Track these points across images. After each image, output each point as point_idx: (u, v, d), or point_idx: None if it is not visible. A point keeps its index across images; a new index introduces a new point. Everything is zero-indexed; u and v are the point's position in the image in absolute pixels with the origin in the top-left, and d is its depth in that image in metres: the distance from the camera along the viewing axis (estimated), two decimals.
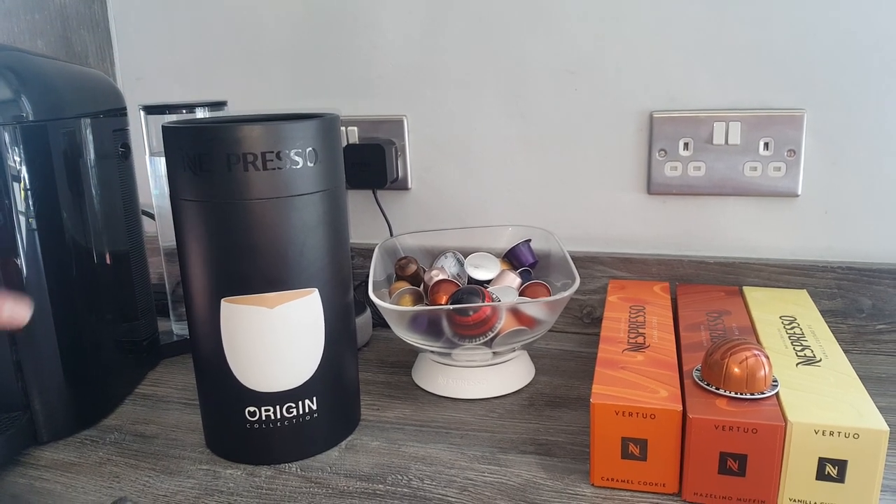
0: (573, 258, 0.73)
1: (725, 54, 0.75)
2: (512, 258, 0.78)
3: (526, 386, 0.72)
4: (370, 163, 0.84)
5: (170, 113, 0.76)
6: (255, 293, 0.55)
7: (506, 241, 0.81)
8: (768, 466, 0.50)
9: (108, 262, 0.70)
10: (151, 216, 0.82)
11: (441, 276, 0.73)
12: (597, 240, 0.84)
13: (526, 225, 0.84)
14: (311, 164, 0.54)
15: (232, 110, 0.88)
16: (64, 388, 0.64)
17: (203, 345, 0.58)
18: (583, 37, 0.79)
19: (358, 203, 0.91)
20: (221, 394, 0.59)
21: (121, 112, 0.73)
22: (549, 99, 0.82)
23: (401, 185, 0.89)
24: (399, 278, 0.77)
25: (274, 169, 0.52)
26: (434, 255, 0.82)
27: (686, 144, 0.77)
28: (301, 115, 0.59)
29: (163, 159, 0.74)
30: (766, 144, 0.75)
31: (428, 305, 0.71)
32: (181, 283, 0.60)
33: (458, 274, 0.77)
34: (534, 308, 0.67)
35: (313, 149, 0.54)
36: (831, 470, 0.49)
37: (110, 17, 0.96)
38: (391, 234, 0.88)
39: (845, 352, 0.69)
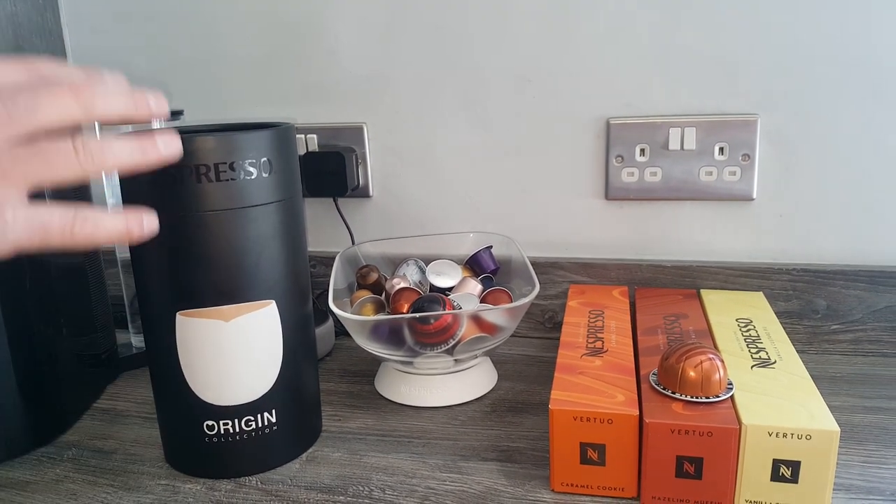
0: (534, 264, 0.73)
1: (680, 61, 0.76)
2: (473, 265, 0.79)
3: (488, 392, 0.72)
4: (330, 170, 0.84)
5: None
6: (211, 306, 0.54)
7: (467, 248, 0.81)
8: (724, 469, 0.50)
9: (63, 273, 0.68)
10: None
11: (403, 285, 0.73)
12: (557, 245, 0.85)
13: (487, 231, 0.84)
14: (266, 175, 0.54)
15: (189, 119, 0.87)
16: (18, 404, 0.63)
17: (160, 359, 0.57)
18: (539, 44, 0.79)
19: (318, 211, 0.90)
20: (179, 408, 0.58)
21: None
22: (508, 106, 0.82)
23: (362, 193, 0.88)
24: (360, 287, 0.77)
25: (227, 180, 0.52)
26: (396, 262, 0.81)
27: (642, 150, 0.78)
28: (255, 125, 0.58)
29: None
30: (721, 149, 0.76)
31: (389, 314, 0.71)
32: (136, 296, 0.59)
33: (420, 281, 0.77)
34: (494, 315, 0.67)
35: (268, 159, 0.54)
36: (785, 471, 0.50)
37: (63, 25, 0.94)
38: (353, 243, 0.87)
39: (801, 352, 0.71)
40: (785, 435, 0.49)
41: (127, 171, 0.39)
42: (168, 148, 0.40)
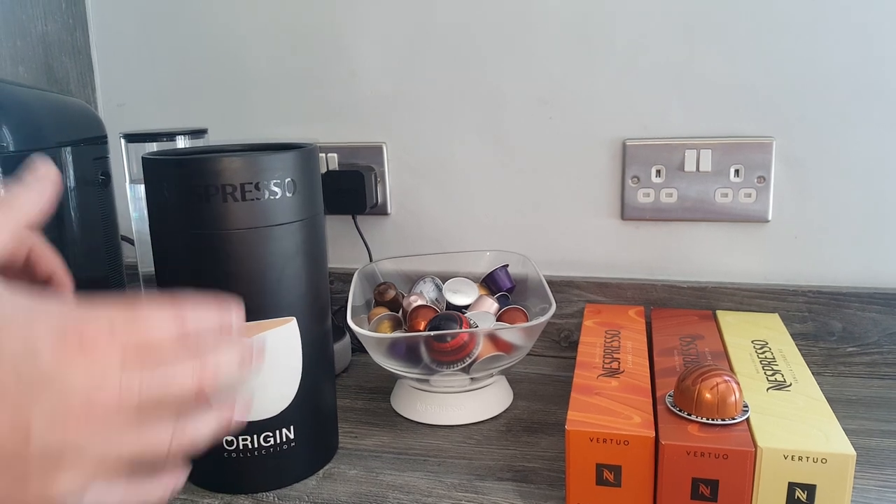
0: (549, 283, 0.74)
1: (696, 83, 0.77)
2: (490, 283, 0.79)
3: (504, 411, 0.72)
4: (350, 189, 0.85)
5: (150, 141, 0.77)
6: None
7: (484, 266, 0.82)
8: (739, 491, 0.51)
9: (86, 286, 0.70)
10: (131, 242, 0.82)
11: (419, 302, 0.73)
12: (572, 264, 0.85)
13: (503, 250, 0.85)
14: (290, 195, 0.55)
15: (213, 138, 0.89)
16: None
17: None
18: (557, 66, 0.81)
19: (337, 228, 0.91)
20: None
21: (101, 140, 0.73)
22: (525, 127, 0.83)
23: (380, 211, 0.90)
24: (378, 304, 0.78)
25: (253, 199, 0.53)
26: (413, 280, 0.82)
27: (658, 171, 0.79)
28: (280, 146, 0.59)
29: (142, 186, 0.74)
30: (737, 171, 0.77)
31: (406, 332, 0.72)
32: None
33: (436, 299, 0.78)
34: (511, 333, 0.68)
35: (292, 179, 0.55)
36: (801, 494, 0.50)
37: (92, 45, 0.97)
38: (370, 260, 0.88)
39: (816, 374, 0.71)
40: (800, 458, 0.49)
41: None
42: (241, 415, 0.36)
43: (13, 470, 0.28)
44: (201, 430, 0.33)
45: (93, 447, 0.29)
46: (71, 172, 0.67)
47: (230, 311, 0.35)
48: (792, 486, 0.50)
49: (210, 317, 0.34)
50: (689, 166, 0.78)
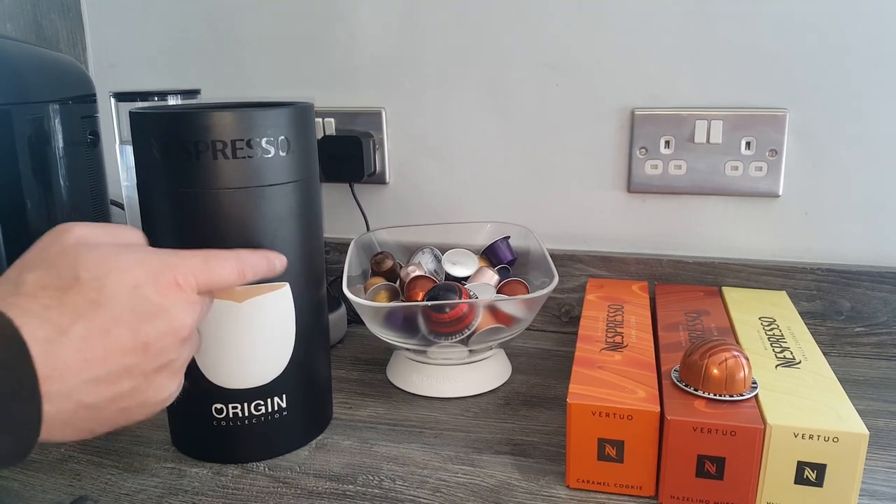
0: (552, 256, 0.72)
1: (708, 52, 0.75)
2: (490, 255, 0.77)
3: (502, 385, 0.70)
4: (347, 155, 0.82)
5: (141, 100, 0.74)
6: None
7: (484, 238, 0.80)
8: (746, 469, 0.49)
9: None
10: (121, 206, 0.80)
11: (418, 273, 0.71)
12: (576, 238, 0.83)
13: (505, 222, 0.82)
14: (283, 154, 0.52)
15: (205, 98, 0.86)
16: None
17: None
18: (564, 32, 0.78)
19: (334, 196, 0.89)
20: (187, 390, 0.56)
21: (90, 99, 0.71)
22: (530, 94, 0.80)
23: (378, 179, 0.87)
24: (375, 274, 0.76)
25: (244, 158, 0.51)
26: (411, 250, 0.80)
27: (667, 143, 0.77)
28: (274, 103, 0.57)
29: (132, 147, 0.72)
30: (748, 144, 0.75)
31: (404, 302, 0.70)
32: None
33: (435, 270, 0.76)
34: (511, 306, 0.66)
35: (285, 137, 0.52)
36: (810, 474, 0.48)
37: (82, 2, 0.93)
38: (367, 229, 0.86)
39: (823, 354, 0.69)
40: (811, 436, 0.48)
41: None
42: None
43: (135, 373, 0.38)
44: None
45: (184, 355, 0.41)
46: (58, 131, 0.65)
47: (277, 260, 0.48)
48: (801, 466, 0.48)
49: (262, 265, 0.47)
50: (700, 138, 0.75)
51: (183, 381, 0.43)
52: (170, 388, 0.41)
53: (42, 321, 0.34)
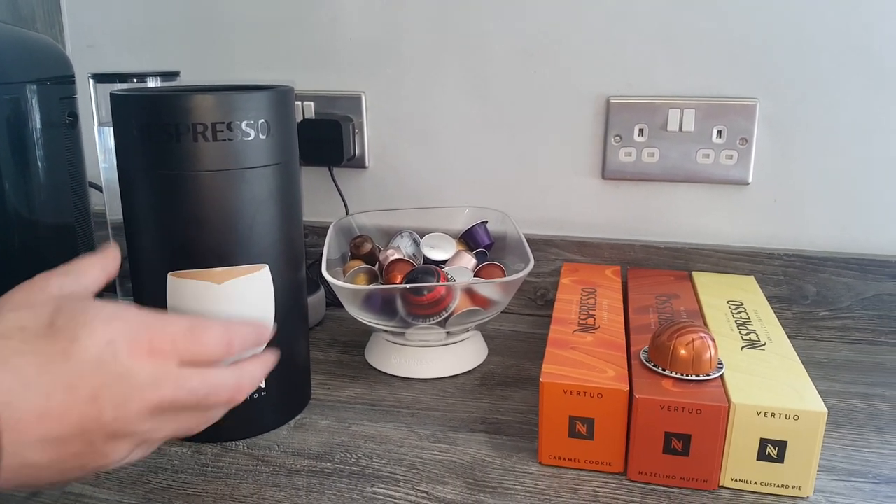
0: (528, 241, 0.73)
1: (682, 42, 0.76)
2: (468, 239, 0.78)
3: (478, 366, 0.72)
4: (326, 139, 0.83)
5: (120, 82, 0.74)
6: (203, 267, 0.54)
7: (462, 222, 0.81)
8: (711, 446, 0.51)
9: (52, 233, 0.67)
10: (99, 188, 0.80)
11: (396, 256, 0.72)
12: (552, 223, 0.85)
13: (483, 206, 0.84)
14: (263, 137, 0.53)
15: (185, 81, 0.86)
16: None
17: None
18: (544, 18, 0.79)
19: (313, 180, 0.90)
20: None
21: (69, 80, 0.70)
22: (509, 81, 0.81)
23: (358, 163, 0.88)
24: (354, 257, 0.77)
25: (224, 140, 0.51)
26: (390, 234, 0.81)
27: (641, 130, 0.78)
28: (254, 87, 0.57)
29: (111, 129, 0.72)
30: (720, 132, 0.76)
31: (382, 285, 0.71)
32: (127, 257, 0.59)
33: (413, 254, 0.77)
34: (488, 289, 0.67)
35: (266, 120, 0.53)
36: (772, 450, 0.50)
37: None
38: (347, 213, 0.87)
39: (789, 337, 0.71)
40: (773, 415, 0.50)
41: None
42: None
43: (85, 437, 0.36)
44: (218, 417, 0.43)
45: (143, 428, 0.38)
46: (36, 112, 0.64)
47: (266, 332, 0.45)
48: (763, 442, 0.50)
49: (251, 337, 0.43)
50: (672, 126, 0.77)
51: (139, 452, 0.40)
52: (115, 455, 0.38)
53: (9, 368, 0.34)
